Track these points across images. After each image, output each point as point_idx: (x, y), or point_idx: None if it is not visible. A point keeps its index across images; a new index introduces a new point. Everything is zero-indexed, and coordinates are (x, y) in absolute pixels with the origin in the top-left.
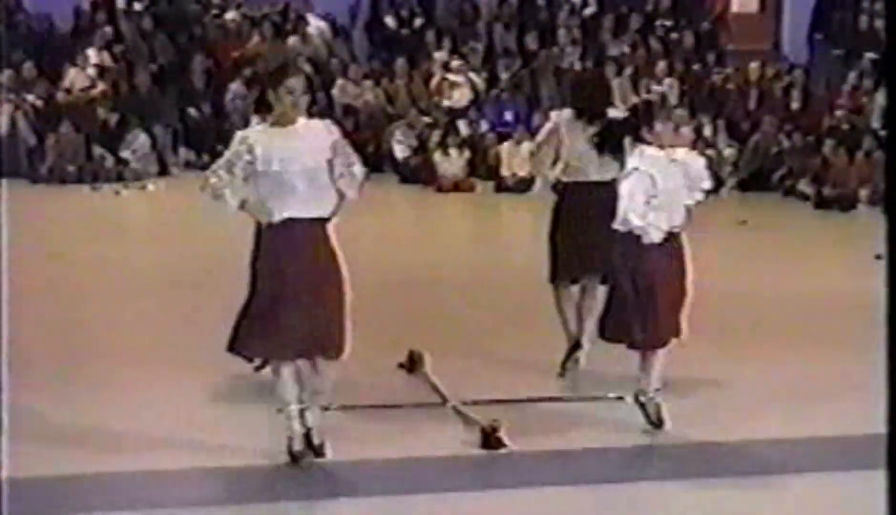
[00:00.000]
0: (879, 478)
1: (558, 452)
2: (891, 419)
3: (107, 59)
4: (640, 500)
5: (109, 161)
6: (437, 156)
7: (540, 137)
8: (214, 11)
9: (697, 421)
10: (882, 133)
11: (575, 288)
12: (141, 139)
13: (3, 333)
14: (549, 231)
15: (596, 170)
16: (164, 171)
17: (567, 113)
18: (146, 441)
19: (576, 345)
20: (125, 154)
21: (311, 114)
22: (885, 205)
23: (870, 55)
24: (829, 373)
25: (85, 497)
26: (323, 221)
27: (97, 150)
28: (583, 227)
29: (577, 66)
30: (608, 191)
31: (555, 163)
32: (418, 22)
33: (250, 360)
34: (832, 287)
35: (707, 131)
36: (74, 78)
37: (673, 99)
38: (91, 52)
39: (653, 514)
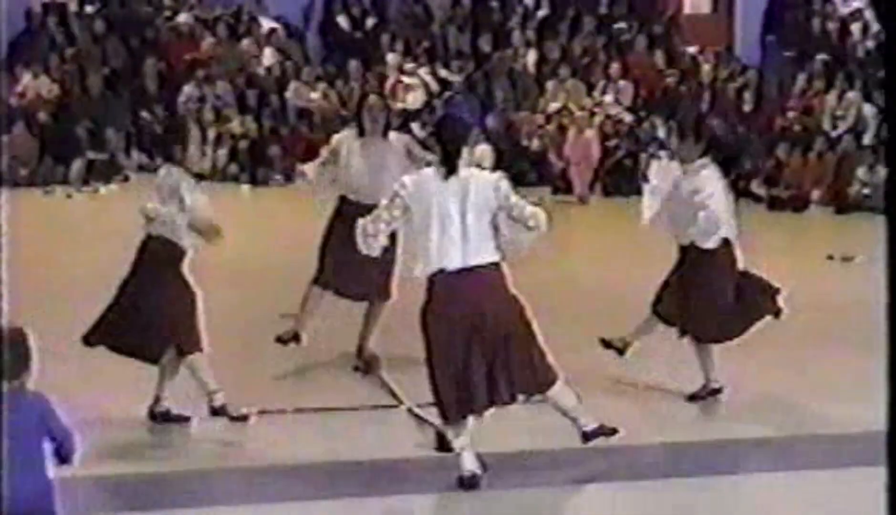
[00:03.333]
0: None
1: (512, 454)
2: (891, 416)
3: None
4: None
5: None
6: None
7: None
8: (167, 14)
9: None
10: (833, 134)
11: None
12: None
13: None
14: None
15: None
16: (117, 174)
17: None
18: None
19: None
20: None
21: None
22: (886, 206)
23: (821, 57)
24: (795, 371)
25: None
26: None
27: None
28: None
29: (532, 68)
30: None
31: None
32: (371, 22)
33: None
34: (786, 287)
35: (661, 133)
36: (28, 81)
37: (627, 100)
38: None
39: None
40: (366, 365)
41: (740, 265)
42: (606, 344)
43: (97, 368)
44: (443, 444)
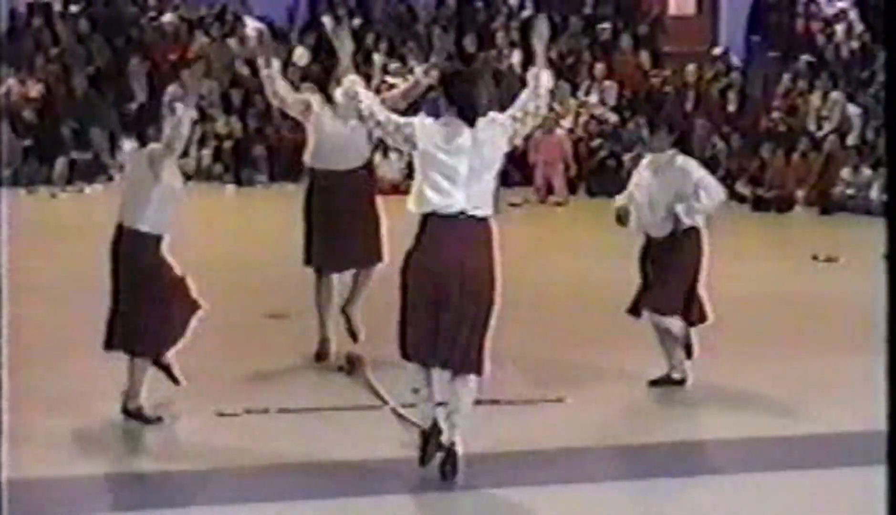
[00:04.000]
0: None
1: (500, 454)
2: (891, 415)
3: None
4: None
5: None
6: (376, 159)
7: None
8: (151, 14)
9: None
10: (818, 134)
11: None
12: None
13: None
14: None
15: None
16: (102, 174)
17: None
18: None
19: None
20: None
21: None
22: (886, 208)
23: (805, 57)
24: (779, 371)
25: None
26: None
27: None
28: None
29: (518, 68)
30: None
31: None
32: (356, 22)
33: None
34: (771, 288)
35: (645, 133)
36: (12, 81)
37: (611, 100)
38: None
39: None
40: (350, 364)
41: (704, 260)
42: (659, 382)
43: (82, 367)
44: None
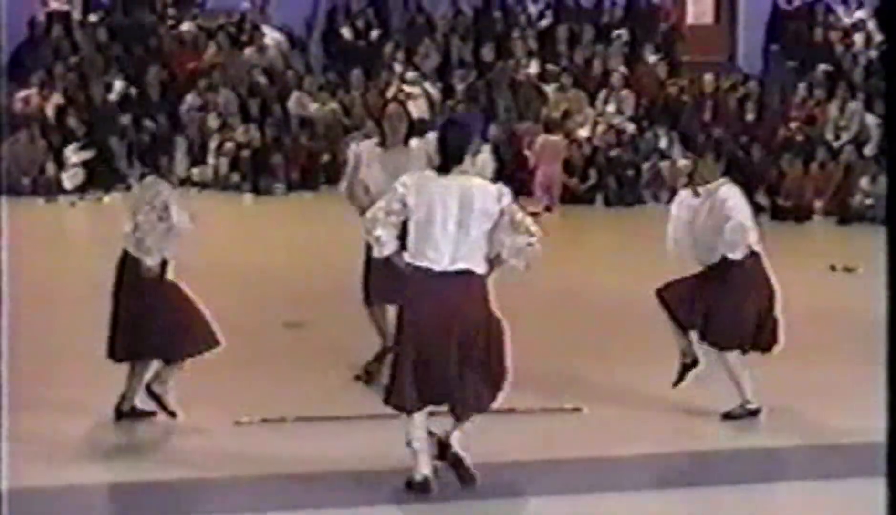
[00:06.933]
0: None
1: (516, 463)
2: (890, 426)
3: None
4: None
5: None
6: None
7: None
8: (170, 23)
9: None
10: (836, 144)
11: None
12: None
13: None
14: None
15: None
16: (120, 183)
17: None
18: None
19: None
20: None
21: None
22: (886, 211)
23: (823, 67)
24: (797, 382)
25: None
26: None
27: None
28: None
29: (534, 77)
30: None
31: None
32: (375, 34)
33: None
34: (789, 298)
35: (663, 143)
36: (31, 90)
37: (629, 110)
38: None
39: None
40: (367, 374)
41: (774, 283)
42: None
43: (99, 374)
44: (443, 453)
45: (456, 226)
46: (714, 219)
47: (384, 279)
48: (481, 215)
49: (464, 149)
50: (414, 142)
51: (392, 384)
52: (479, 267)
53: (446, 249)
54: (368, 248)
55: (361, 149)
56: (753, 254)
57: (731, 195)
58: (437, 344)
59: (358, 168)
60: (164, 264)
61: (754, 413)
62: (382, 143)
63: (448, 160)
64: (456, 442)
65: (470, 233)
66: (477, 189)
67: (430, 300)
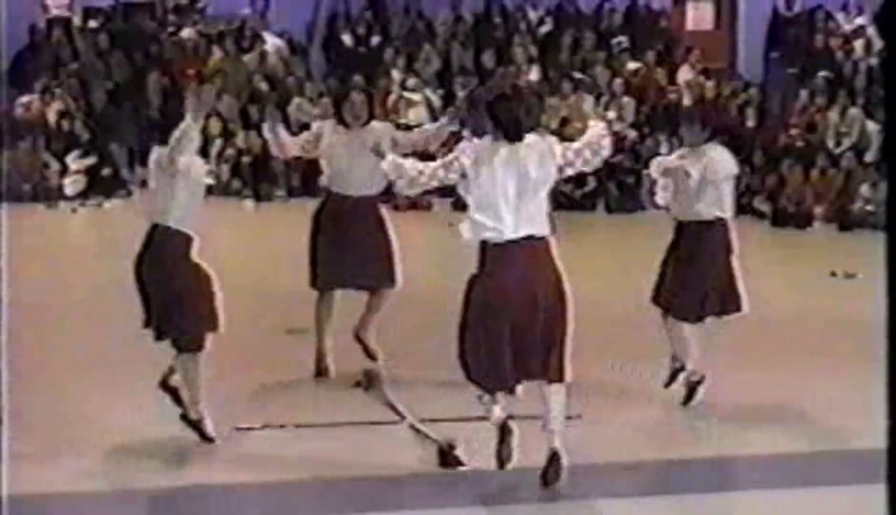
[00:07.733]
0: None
1: (515, 469)
2: (891, 432)
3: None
4: None
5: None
6: None
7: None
8: (171, 29)
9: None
10: (836, 151)
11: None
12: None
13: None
14: None
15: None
16: (121, 189)
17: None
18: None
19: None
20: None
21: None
22: (887, 217)
23: (823, 73)
24: (796, 387)
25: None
26: None
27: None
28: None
29: (535, 83)
30: None
31: None
32: (375, 40)
33: None
34: (789, 304)
35: (664, 149)
36: (32, 96)
37: (629, 116)
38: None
39: None
40: (367, 380)
41: (734, 249)
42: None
43: (101, 382)
44: (445, 459)
45: (515, 196)
46: (704, 178)
47: (342, 264)
48: (538, 182)
49: (519, 121)
50: (375, 122)
51: (467, 366)
52: (542, 230)
53: (507, 219)
54: (313, 232)
55: (322, 127)
56: (722, 221)
57: (722, 158)
58: (523, 318)
59: (315, 142)
60: (188, 240)
61: (698, 383)
62: (343, 122)
63: (504, 132)
64: (557, 438)
65: (528, 201)
66: (532, 153)
67: (501, 272)
